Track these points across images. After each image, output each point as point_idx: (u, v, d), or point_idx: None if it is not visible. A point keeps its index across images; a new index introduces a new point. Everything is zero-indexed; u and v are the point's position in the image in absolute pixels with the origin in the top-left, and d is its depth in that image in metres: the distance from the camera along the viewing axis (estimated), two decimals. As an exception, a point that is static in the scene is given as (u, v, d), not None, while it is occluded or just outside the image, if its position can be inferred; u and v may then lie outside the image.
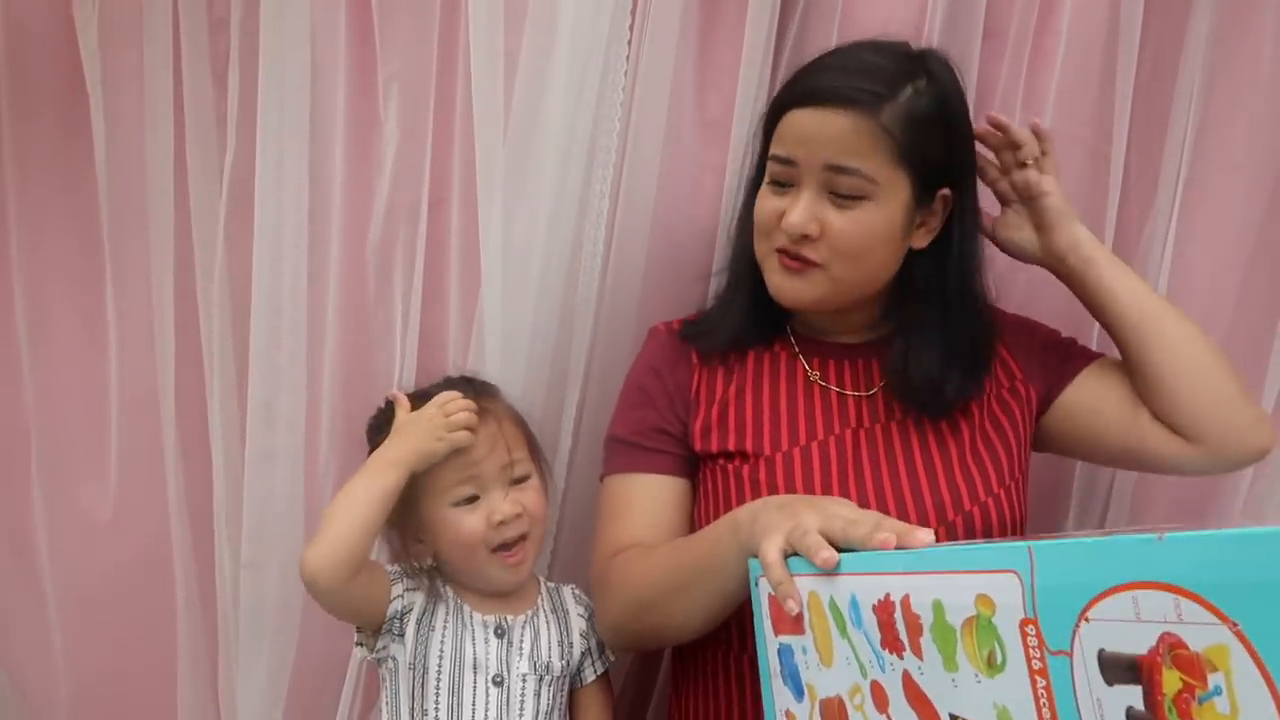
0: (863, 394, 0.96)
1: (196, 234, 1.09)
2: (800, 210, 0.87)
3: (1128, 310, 0.94)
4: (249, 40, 1.04)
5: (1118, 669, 0.48)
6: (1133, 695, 0.47)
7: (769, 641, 0.75)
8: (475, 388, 0.98)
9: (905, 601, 0.62)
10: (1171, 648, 0.45)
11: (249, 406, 1.05)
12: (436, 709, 0.89)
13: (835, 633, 0.67)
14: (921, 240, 0.92)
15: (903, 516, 0.87)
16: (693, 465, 0.98)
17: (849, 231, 0.87)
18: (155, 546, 1.12)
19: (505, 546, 0.92)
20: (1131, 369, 0.95)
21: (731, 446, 0.94)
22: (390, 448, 0.90)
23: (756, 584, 0.76)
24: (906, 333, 0.94)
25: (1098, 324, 1.02)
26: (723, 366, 0.99)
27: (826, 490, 0.89)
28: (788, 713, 0.73)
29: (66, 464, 1.12)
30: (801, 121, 0.88)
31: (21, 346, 1.11)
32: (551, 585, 1.01)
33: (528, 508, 0.93)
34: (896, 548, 0.65)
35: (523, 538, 0.93)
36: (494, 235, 1.04)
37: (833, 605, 0.67)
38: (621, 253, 1.11)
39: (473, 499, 0.92)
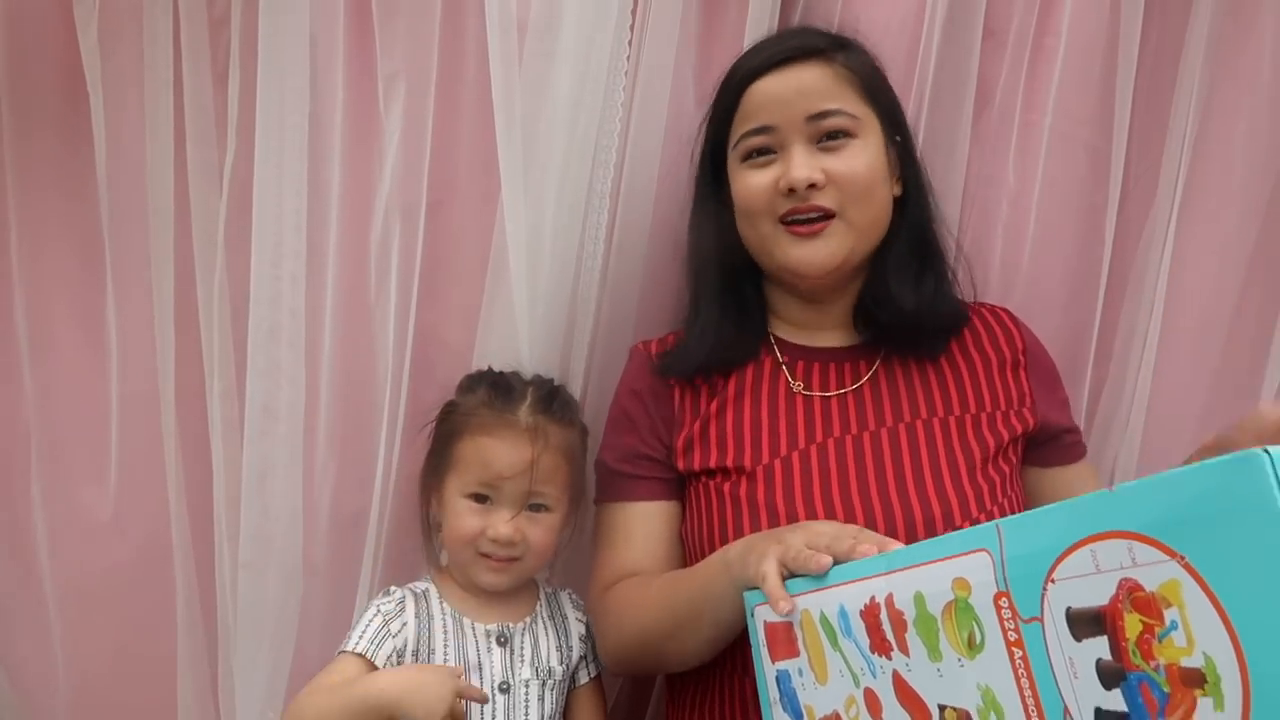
0: (847, 389, 0.95)
1: (196, 234, 1.09)
2: (799, 163, 0.89)
3: None
4: (249, 40, 1.04)
5: (1084, 623, 0.49)
6: (1100, 647, 0.48)
7: (767, 669, 0.75)
8: (550, 405, 0.96)
9: (889, 601, 0.63)
10: (1130, 592, 0.46)
11: (248, 406, 1.05)
12: None
13: (828, 647, 0.68)
14: (897, 189, 0.95)
15: (890, 530, 0.85)
16: (680, 486, 0.97)
17: (851, 168, 0.89)
18: (155, 546, 1.11)
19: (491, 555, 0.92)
20: None
21: (714, 463, 0.93)
22: (391, 685, 0.83)
23: (752, 614, 0.76)
24: (878, 276, 0.95)
25: (1094, 337, 1.00)
26: (706, 383, 0.98)
27: (808, 499, 0.88)
28: None
29: (66, 464, 1.12)
30: (768, 87, 0.91)
31: (21, 346, 1.11)
32: (549, 590, 1.01)
33: (529, 537, 0.92)
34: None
35: (513, 558, 0.93)
36: (515, 234, 1.04)
37: (824, 619, 0.68)
38: (621, 253, 1.11)
39: (484, 499, 0.92)
